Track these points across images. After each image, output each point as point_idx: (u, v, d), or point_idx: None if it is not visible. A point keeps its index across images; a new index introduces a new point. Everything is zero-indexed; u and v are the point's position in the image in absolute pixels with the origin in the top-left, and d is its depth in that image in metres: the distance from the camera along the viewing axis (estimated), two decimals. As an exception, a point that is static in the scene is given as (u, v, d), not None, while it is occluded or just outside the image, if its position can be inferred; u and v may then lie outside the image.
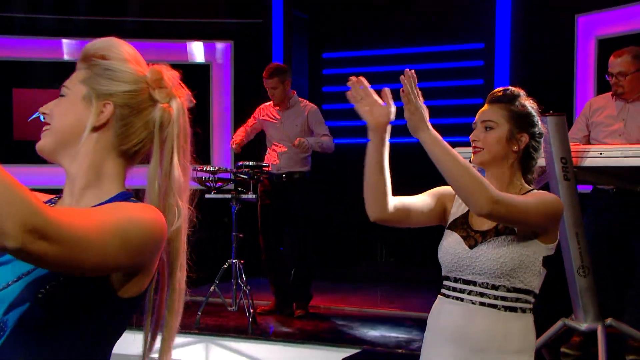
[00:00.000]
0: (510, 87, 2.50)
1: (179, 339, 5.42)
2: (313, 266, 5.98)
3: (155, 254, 1.45)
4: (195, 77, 8.05)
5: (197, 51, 8.14)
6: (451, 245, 2.40)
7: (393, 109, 2.22)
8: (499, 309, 2.32)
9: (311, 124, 5.86)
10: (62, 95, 1.55)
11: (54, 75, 8.08)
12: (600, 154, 4.16)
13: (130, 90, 1.54)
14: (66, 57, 8.09)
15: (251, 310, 5.29)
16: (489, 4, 7.36)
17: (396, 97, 2.16)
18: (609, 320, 4.19)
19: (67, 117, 1.53)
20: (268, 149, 5.97)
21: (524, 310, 2.34)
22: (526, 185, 2.43)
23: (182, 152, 1.54)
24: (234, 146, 5.91)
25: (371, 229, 7.63)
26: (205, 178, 5.42)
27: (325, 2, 8.36)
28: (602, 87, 6.68)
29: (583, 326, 4.24)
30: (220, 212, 6.97)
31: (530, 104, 2.46)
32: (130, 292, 1.47)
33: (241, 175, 5.39)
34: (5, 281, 1.46)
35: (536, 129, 2.42)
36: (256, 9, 8.14)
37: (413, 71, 2.16)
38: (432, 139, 2.15)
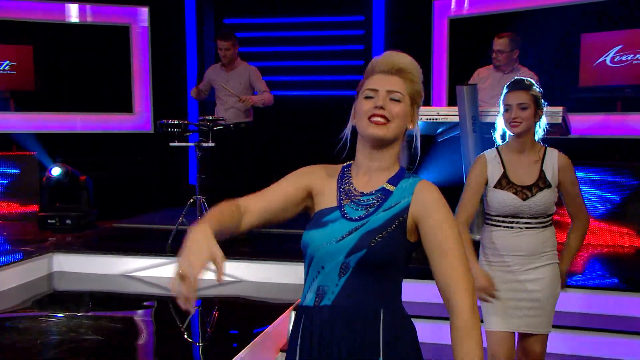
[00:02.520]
0: (524, 78, 2.94)
1: (155, 260, 5.57)
2: None
3: None
4: (117, 36, 7.96)
5: (118, 13, 8.01)
6: (507, 200, 2.88)
7: None
8: (538, 229, 2.90)
9: (253, 82, 6.09)
10: (396, 100, 1.79)
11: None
12: (499, 112, 4.81)
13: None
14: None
15: None
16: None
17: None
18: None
19: (404, 119, 1.81)
20: (216, 103, 6.16)
21: (550, 224, 2.94)
22: (538, 144, 2.97)
23: None
24: (197, 95, 6.16)
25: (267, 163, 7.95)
26: (171, 130, 5.53)
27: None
28: (453, 53, 7.47)
29: (477, 237, 4.99)
30: (182, 158, 7.19)
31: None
32: (413, 237, 1.80)
33: (202, 127, 5.56)
34: (340, 234, 1.77)
35: (542, 106, 2.92)
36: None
37: None
38: None
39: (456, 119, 4.78)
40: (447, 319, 1.77)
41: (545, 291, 2.93)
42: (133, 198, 7.60)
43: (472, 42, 7.23)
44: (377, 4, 7.84)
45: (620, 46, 6.56)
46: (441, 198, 1.80)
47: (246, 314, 4.74)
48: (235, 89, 6.00)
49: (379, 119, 1.77)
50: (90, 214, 6.54)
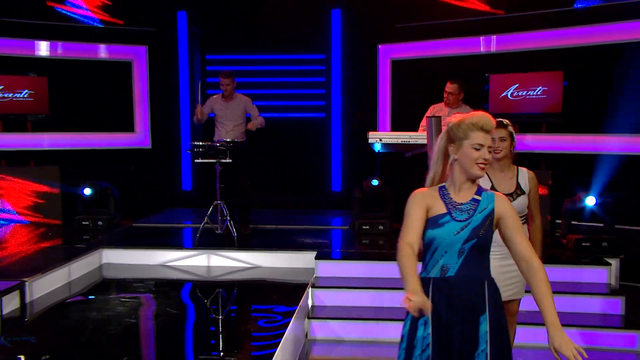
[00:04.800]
0: (504, 119, 3.35)
1: (187, 252, 6.11)
2: (250, 201, 6.66)
3: None
4: (121, 70, 8.21)
5: (122, 51, 8.28)
6: None
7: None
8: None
9: (248, 109, 6.47)
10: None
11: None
12: None
13: None
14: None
15: (234, 233, 6.00)
16: (328, 31, 8.43)
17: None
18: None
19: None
20: (217, 127, 6.49)
21: (525, 221, 3.40)
22: (513, 165, 3.43)
23: None
24: (199, 116, 6.36)
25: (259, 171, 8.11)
26: (196, 149, 5.98)
27: (209, 22, 8.72)
28: (395, 86, 8.11)
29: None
30: (175, 168, 7.57)
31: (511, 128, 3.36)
32: (494, 228, 2.38)
33: (220, 148, 6.02)
34: (455, 230, 2.32)
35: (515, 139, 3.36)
36: (164, 22, 8.45)
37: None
38: None
39: (423, 141, 5.49)
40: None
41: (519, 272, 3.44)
42: (138, 202, 7.88)
43: (409, 79, 7.98)
44: (335, 45, 8.40)
45: (517, 85, 7.48)
46: (510, 204, 2.42)
47: (275, 292, 5.12)
48: (235, 115, 6.40)
49: (483, 165, 2.36)
50: (117, 216, 6.87)
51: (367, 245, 6.11)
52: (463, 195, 2.39)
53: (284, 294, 5.00)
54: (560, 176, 6.90)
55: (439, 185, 2.44)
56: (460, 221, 2.32)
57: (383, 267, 5.33)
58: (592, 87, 7.15)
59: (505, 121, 3.43)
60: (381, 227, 6.45)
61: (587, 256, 5.48)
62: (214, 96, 6.61)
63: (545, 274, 2.28)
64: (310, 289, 5.10)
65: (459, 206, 2.36)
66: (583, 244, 5.68)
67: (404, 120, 7.75)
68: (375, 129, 7.97)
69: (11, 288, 4.38)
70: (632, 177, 6.80)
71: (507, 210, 2.37)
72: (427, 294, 2.28)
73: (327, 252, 5.76)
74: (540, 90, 7.23)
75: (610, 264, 5.23)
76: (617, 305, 4.89)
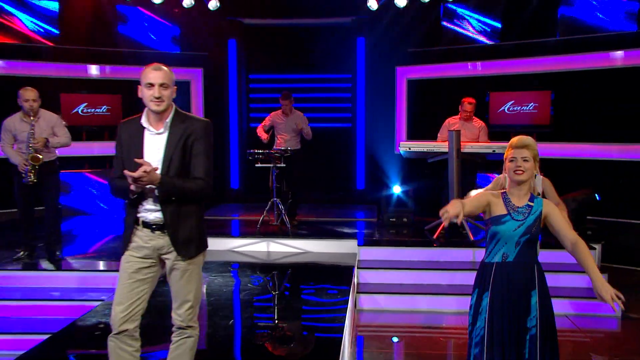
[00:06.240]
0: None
1: (250, 240, 6.76)
2: (299, 199, 7.19)
3: None
4: (181, 88, 8.73)
5: (182, 72, 8.83)
6: None
7: None
8: None
9: (302, 124, 6.92)
10: (527, 160, 2.63)
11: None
12: (471, 147, 6.07)
13: None
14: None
15: (288, 224, 6.48)
16: (354, 55, 8.95)
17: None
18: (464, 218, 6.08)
19: (532, 169, 2.68)
20: (277, 137, 6.96)
21: None
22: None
23: None
24: (265, 140, 6.88)
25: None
26: (256, 156, 6.51)
27: (254, 47, 9.24)
28: (410, 102, 8.57)
29: (455, 220, 6.09)
30: (225, 170, 8.06)
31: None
32: (542, 225, 2.71)
33: (276, 155, 6.54)
34: (514, 227, 2.64)
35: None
36: (217, 48, 8.98)
37: None
38: None
39: (445, 149, 6.11)
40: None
41: None
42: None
43: (423, 95, 8.48)
44: (360, 67, 8.92)
45: (513, 101, 7.94)
46: (554, 206, 2.74)
47: (326, 272, 5.54)
48: (291, 128, 6.90)
49: (519, 171, 2.70)
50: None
51: (395, 234, 6.60)
52: (520, 200, 2.74)
53: (334, 274, 5.48)
54: (550, 178, 7.40)
55: (502, 191, 2.81)
56: (517, 220, 2.69)
57: (413, 252, 5.89)
58: (576, 104, 7.63)
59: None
60: (405, 220, 6.98)
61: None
62: (275, 112, 7.04)
63: (587, 249, 2.61)
64: (358, 270, 5.60)
65: (517, 209, 2.72)
66: (572, 232, 6.22)
67: (418, 130, 8.33)
68: (393, 138, 8.55)
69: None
70: (608, 179, 7.35)
71: (552, 209, 2.73)
72: (490, 275, 2.72)
73: (366, 239, 6.32)
74: (532, 106, 7.74)
75: (594, 248, 5.76)
76: (601, 281, 5.46)
